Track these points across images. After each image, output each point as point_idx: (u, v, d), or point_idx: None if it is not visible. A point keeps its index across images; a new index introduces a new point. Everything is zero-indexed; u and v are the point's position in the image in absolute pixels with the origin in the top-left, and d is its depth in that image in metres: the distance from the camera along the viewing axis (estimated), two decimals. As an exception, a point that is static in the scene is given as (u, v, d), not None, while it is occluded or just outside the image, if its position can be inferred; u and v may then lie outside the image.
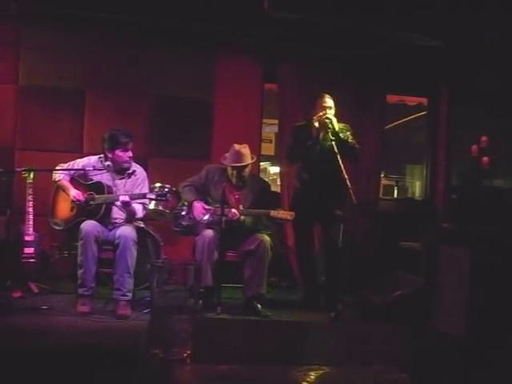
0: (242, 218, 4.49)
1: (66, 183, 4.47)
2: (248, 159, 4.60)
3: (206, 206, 4.56)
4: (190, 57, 5.82)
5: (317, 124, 4.66)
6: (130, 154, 4.46)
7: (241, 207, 4.52)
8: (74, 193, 4.37)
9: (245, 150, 4.61)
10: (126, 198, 4.28)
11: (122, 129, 4.51)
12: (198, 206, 4.56)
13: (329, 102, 4.72)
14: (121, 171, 4.50)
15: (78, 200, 4.34)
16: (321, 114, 4.63)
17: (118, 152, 4.43)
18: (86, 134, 5.64)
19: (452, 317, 3.83)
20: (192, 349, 1.93)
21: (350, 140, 4.68)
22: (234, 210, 4.45)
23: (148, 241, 4.83)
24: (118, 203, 4.33)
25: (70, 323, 3.88)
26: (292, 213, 4.44)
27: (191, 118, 5.83)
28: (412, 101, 6.88)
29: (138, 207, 4.45)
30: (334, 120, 4.62)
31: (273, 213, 4.42)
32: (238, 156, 4.57)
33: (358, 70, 6.02)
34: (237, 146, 4.61)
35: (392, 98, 6.59)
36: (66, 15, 5.43)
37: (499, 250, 3.78)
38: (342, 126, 4.72)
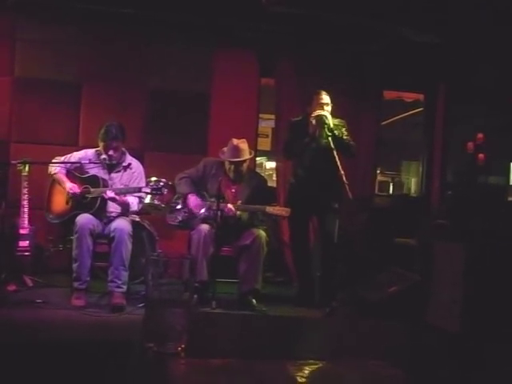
0: (238, 213, 4.48)
1: (62, 176, 4.45)
2: (246, 154, 4.60)
3: (199, 199, 4.55)
4: (187, 50, 5.79)
5: (314, 121, 4.65)
6: (110, 152, 4.40)
7: (239, 202, 4.51)
8: (69, 186, 4.35)
9: (243, 145, 4.60)
10: (112, 194, 4.26)
11: (118, 124, 4.46)
12: (193, 198, 4.55)
13: (325, 98, 4.72)
14: (115, 164, 4.48)
15: (74, 193, 4.32)
16: (316, 112, 4.63)
17: (102, 146, 4.42)
18: (82, 127, 5.62)
19: (447, 313, 3.84)
20: (187, 343, 1.93)
21: (344, 137, 4.68)
22: (229, 206, 4.44)
23: (143, 235, 4.82)
24: (107, 196, 4.29)
25: (65, 317, 3.87)
26: (287, 209, 4.43)
27: (188, 112, 5.81)
28: (409, 97, 6.87)
29: (132, 200, 4.43)
30: (330, 117, 4.62)
31: (268, 209, 4.42)
32: (237, 151, 4.57)
33: (354, 65, 6.01)
34: (235, 141, 4.59)
35: (389, 94, 6.59)
36: (62, 7, 5.40)
37: (494, 246, 3.80)
38: (337, 121, 4.72)
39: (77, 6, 5.38)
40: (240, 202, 4.54)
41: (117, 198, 4.30)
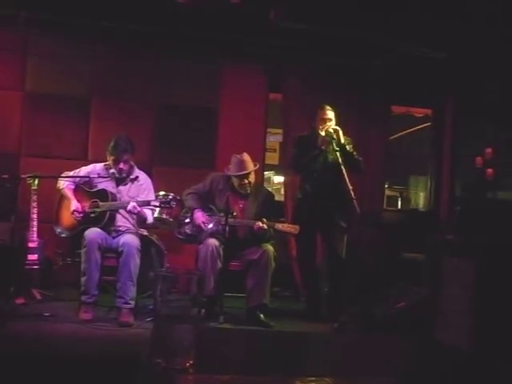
0: (265, 226, 4.44)
1: (69, 194, 4.46)
2: (251, 166, 4.62)
3: (206, 215, 4.56)
4: (196, 65, 5.84)
5: (323, 133, 4.67)
6: (121, 165, 4.42)
7: (264, 220, 4.48)
8: (74, 206, 4.37)
9: (246, 157, 4.63)
10: (135, 205, 4.28)
11: (126, 137, 4.49)
12: (199, 214, 4.57)
13: (329, 114, 4.74)
14: (123, 177, 4.50)
15: (78, 212, 4.34)
16: (328, 124, 4.65)
17: (112, 160, 4.45)
18: (91, 142, 5.66)
19: (455, 329, 3.81)
20: (195, 358, 1.92)
21: (354, 153, 4.70)
22: (258, 223, 4.41)
23: (151, 249, 4.82)
24: (128, 208, 4.30)
25: (73, 330, 3.88)
26: (297, 226, 4.42)
27: (196, 127, 5.84)
28: (417, 112, 6.87)
29: (148, 212, 4.46)
30: (341, 132, 4.63)
31: (277, 225, 4.42)
32: (242, 164, 4.59)
33: (362, 80, 6.02)
34: (238, 156, 4.62)
35: (398, 109, 6.60)
36: (72, 23, 5.46)
37: (503, 262, 3.77)
38: (343, 138, 4.73)
39: (87, 22, 5.45)
40: (265, 219, 4.51)
41: (139, 209, 4.31)
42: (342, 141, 4.60)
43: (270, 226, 4.44)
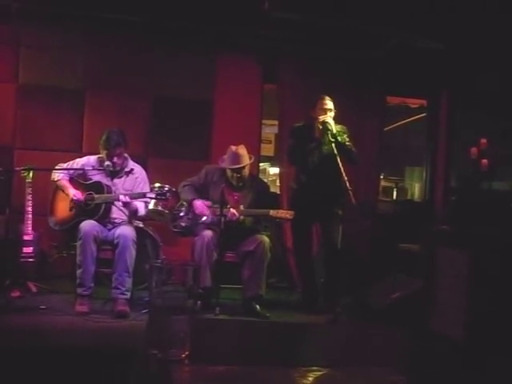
0: (242, 218, 4.48)
1: (66, 183, 4.46)
2: (246, 160, 4.61)
3: (207, 202, 4.56)
4: (190, 57, 5.82)
5: (320, 126, 4.66)
6: (114, 159, 4.42)
7: (241, 207, 4.51)
8: (73, 192, 4.37)
9: (242, 150, 4.61)
10: (127, 199, 4.29)
11: (118, 130, 4.48)
12: (199, 203, 4.56)
13: (329, 104, 4.72)
14: (118, 170, 4.50)
15: (78, 199, 4.34)
16: (321, 117, 4.64)
17: (105, 154, 4.44)
18: (85, 134, 5.64)
19: (450, 319, 3.83)
20: (190, 349, 1.93)
21: (347, 143, 4.69)
22: (232, 210, 4.44)
23: (147, 241, 4.83)
24: (119, 203, 4.32)
25: (69, 323, 3.88)
26: (291, 212, 4.44)
27: (191, 119, 5.83)
28: (412, 103, 6.87)
29: (140, 205, 4.47)
30: (332, 123, 4.62)
31: (272, 212, 4.42)
32: (236, 157, 4.58)
33: (357, 71, 6.02)
34: (234, 148, 4.61)
35: (393, 100, 6.59)
36: (66, 14, 5.43)
37: (498, 252, 3.78)
38: (339, 127, 4.72)
39: (81, 14, 5.42)
40: (242, 206, 4.54)
41: (129, 201, 4.32)
42: (334, 131, 4.59)
43: (264, 213, 4.45)
